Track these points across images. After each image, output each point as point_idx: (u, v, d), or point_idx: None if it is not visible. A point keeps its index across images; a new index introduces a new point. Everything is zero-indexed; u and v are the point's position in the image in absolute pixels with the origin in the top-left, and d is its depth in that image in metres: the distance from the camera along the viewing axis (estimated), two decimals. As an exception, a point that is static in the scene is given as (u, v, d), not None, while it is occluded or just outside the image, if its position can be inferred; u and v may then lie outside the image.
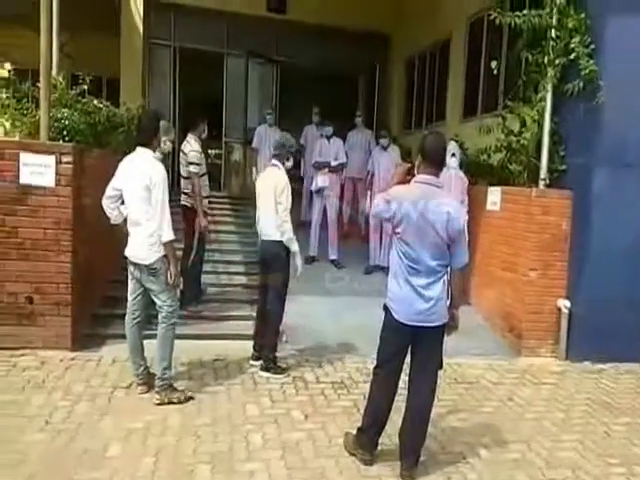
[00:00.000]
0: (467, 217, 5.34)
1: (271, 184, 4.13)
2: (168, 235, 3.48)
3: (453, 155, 5.52)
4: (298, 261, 4.19)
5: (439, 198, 2.80)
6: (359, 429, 3.05)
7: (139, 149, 3.57)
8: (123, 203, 3.58)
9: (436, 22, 8.26)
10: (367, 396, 3.05)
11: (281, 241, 4.12)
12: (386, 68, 10.41)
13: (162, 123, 4.14)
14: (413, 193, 2.81)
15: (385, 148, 6.86)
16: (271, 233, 4.16)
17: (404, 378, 2.98)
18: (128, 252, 3.59)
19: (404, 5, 9.46)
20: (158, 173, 3.46)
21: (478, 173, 5.81)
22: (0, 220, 4.14)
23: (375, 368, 3.02)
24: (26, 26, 9.88)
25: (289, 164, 4.28)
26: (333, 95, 9.53)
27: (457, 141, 5.91)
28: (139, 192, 3.44)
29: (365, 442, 3.01)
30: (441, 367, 3.12)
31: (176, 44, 9.50)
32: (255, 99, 9.71)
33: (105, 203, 3.59)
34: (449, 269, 2.92)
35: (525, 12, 4.87)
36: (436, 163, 2.86)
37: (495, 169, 5.51)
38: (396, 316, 2.84)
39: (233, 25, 9.38)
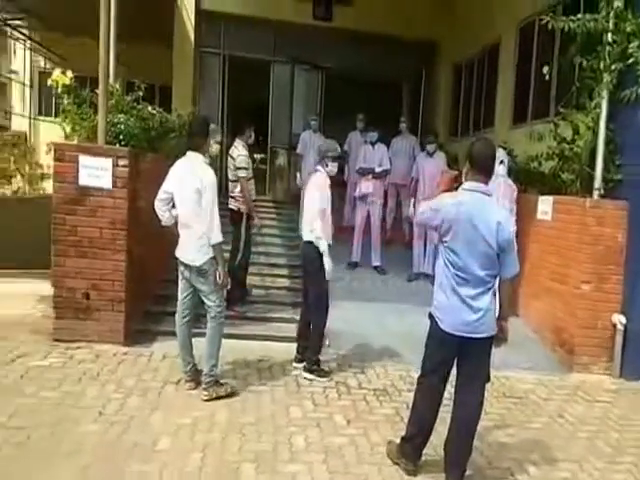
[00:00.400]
0: (515, 227, 5.28)
1: (311, 188, 4.23)
2: (217, 237, 3.57)
3: (501, 162, 5.40)
4: (326, 261, 4.14)
5: (488, 206, 2.75)
6: (403, 438, 3.02)
7: (190, 153, 3.69)
8: (174, 206, 3.71)
9: (485, 27, 8.14)
10: (411, 405, 3.02)
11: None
12: (432, 74, 10.34)
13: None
14: (461, 201, 2.75)
15: (431, 154, 6.79)
16: (307, 235, 4.22)
17: (450, 389, 2.94)
18: (178, 253, 3.71)
19: (452, 11, 9.38)
20: (209, 177, 3.56)
21: (528, 181, 5.66)
22: (61, 219, 4.36)
23: (420, 377, 2.98)
24: (86, 36, 10.43)
25: (332, 169, 4.32)
26: (378, 101, 9.53)
27: (505, 148, 5.78)
28: (190, 195, 3.55)
29: (409, 452, 2.98)
30: (488, 380, 3.03)
31: (225, 52, 9.77)
32: (300, 105, 9.84)
33: (157, 205, 3.72)
34: (498, 279, 2.85)
35: (579, 16, 4.74)
36: (485, 170, 2.80)
37: (546, 177, 5.36)
38: (442, 325, 2.80)
39: (280, 33, 9.57)
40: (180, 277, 3.76)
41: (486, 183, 2.80)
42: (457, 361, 2.87)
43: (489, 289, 2.76)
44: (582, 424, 3.82)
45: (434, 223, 2.80)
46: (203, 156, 3.71)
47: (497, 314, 2.88)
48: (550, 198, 5.19)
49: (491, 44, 8.01)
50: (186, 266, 3.66)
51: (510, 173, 5.56)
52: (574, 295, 4.77)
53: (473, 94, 8.75)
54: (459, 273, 2.74)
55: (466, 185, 2.81)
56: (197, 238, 3.58)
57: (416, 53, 9.95)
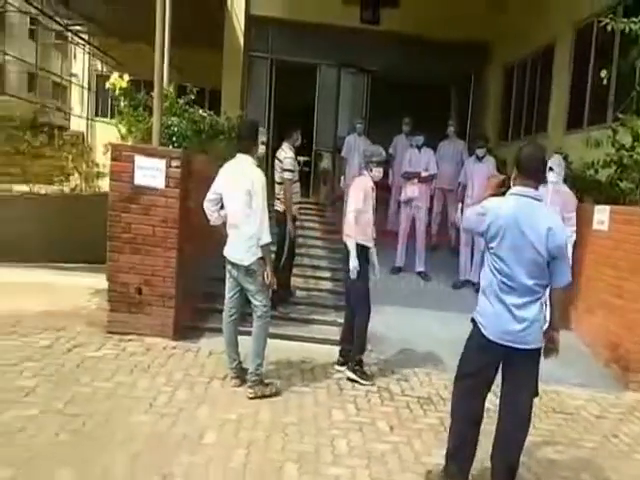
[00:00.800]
0: (574, 237, 5.11)
1: (351, 190, 4.33)
2: (266, 238, 3.64)
3: (551, 169, 5.24)
4: (351, 261, 4.12)
5: (538, 212, 2.64)
6: (446, 456, 2.88)
7: (240, 155, 3.78)
8: (222, 207, 3.79)
9: (539, 28, 7.92)
10: (450, 412, 2.92)
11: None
12: (482, 76, 10.15)
13: None
14: (509, 206, 2.67)
15: (480, 159, 6.66)
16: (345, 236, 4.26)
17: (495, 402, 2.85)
18: (227, 252, 3.79)
19: (503, 11, 9.17)
20: (259, 179, 3.63)
21: (584, 189, 5.46)
22: (116, 216, 4.55)
23: (456, 380, 2.88)
24: (141, 41, 10.85)
25: (377, 174, 4.32)
26: (425, 104, 9.44)
27: (561, 154, 5.58)
28: (240, 196, 3.63)
29: (454, 472, 2.83)
30: (537, 394, 2.89)
31: (273, 56, 9.93)
32: (346, 109, 9.88)
33: (206, 206, 3.82)
34: (548, 289, 2.75)
35: (645, 18, 4.55)
36: (534, 175, 2.70)
37: (603, 186, 5.15)
38: (484, 331, 2.71)
39: (327, 37, 9.63)
40: (228, 276, 3.84)
41: (536, 188, 2.70)
42: (502, 372, 2.76)
43: (537, 299, 2.65)
44: (638, 445, 3.64)
45: (480, 229, 2.72)
46: (252, 158, 3.79)
47: (547, 324, 2.79)
48: (607, 207, 4.98)
49: (545, 46, 7.79)
50: (234, 265, 3.74)
51: (566, 180, 5.38)
52: (632, 310, 4.55)
53: (525, 97, 8.52)
54: (505, 281, 2.65)
55: (514, 190, 2.72)
56: (246, 238, 3.65)
57: (465, 55, 9.79)
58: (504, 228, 2.62)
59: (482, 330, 2.73)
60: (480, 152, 6.64)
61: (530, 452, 3.22)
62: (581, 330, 5.34)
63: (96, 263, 6.58)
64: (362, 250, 4.22)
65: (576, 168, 5.71)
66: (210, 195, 3.81)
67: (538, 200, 2.68)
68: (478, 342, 2.76)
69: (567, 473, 3.20)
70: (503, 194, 2.84)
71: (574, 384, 4.52)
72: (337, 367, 4.38)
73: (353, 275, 4.16)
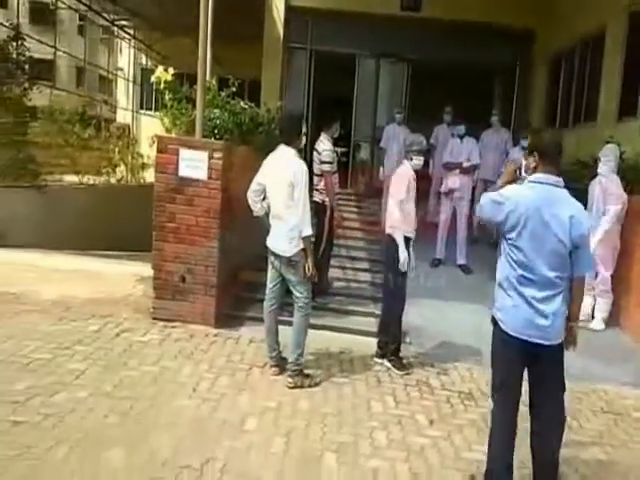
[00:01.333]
0: (606, 226, 5.01)
1: (393, 179, 4.29)
2: (308, 230, 3.66)
3: (600, 160, 5.02)
4: (401, 251, 4.10)
5: (560, 199, 2.54)
6: (485, 472, 2.74)
7: (282, 147, 3.80)
8: (264, 198, 3.83)
9: (588, 13, 7.56)
10: (489, 427, 2.74)
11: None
12: (527, 64, 9.78)
13: None
14: (528, 193, 2.56)
15: (526, 149, 6.44)
16: (387, 227, 4.26)
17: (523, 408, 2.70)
18: (269, 243, 3.84)
19: (550, -1, 8.81)
20: (301, 171, 3.65)
21: (636, 180, 5.21)
22: (162, 207, 4.67)
23: (492, 395, 2.75)
24: (183, 35, 11.05)
25: (417, 163, 4.28)
26: (467, 93, 9.17)
27: (614, 143, 5.32)
28: (283, 188, 3.66)
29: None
30: (564, 389, 2.73)
31: (312, 47, 9.90)
32: (385, 98, 9.76)
33: (250, 196, 3.88)
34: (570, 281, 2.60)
35: None
36: (555, 161, 2.61)
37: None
38: (504, 327, 2.59)
39: (366, 26, 9.51)
40: (270, 266, 3.89)
41: (557, 175, 2.59)
42: (528, 373, 2.64)
43: (559, 292, 2.54)
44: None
45: (498, 218, 2.59)
46: (295, 150, 3.80)
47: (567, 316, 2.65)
48: (662, 199, 4.74)
49: (595, 31, 7.42)
50: (276, 256, 3.78)
51: (618, 171, 5.14)
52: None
53: (573, 85, 8.16)
54: (525, 274, 2.53)
55: (535, 177, 2.59)
56: (289, 229, 3.68)
57: (510, 42, 9.47)
58: (525, 217, 2.51)
59: (502, 326, 2.61)
60: (525, 142, 6.43)
61: (577, 452, 3.14)
62: (631, 327, 5.11)
63: (141, 251, 6.79)
64: (407, 241, 4.18)
65: (629, 158, 5.43)
66: (253, 186, 3.86)
67: (559, 187, 2.58)
68: (502, 343, 2.64)
69: (615, 476, 3.09)
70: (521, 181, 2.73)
71: (623, 382, 4.34)
72: (376, 359, 4.37)
73: (403, 268, 4.13)
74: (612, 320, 5.31)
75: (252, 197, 3.87)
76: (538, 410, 2.66)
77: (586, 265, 2.60)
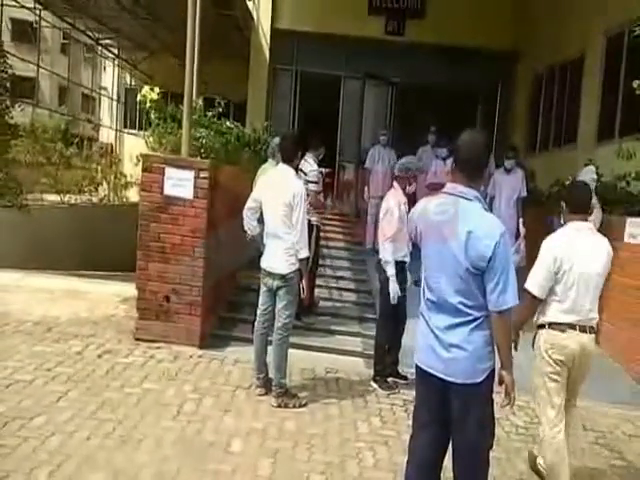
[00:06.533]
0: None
1: (383, 209, 4.26)
2: (305, 252, 3.68)
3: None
4: (391, 287, 4.10)
5: (464, 212, 2.13)
6: None
7: (282, 166, 3.82)
8: (260, 216, 3.81)
9: (568, 37, 7.87)
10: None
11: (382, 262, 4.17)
12: (509, 87, 10.11)
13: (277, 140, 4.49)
14: (434, 205, 2.24)
15: (508, 171, 6.59)
16: (380, 252, 4.26)
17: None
18: (264, 263, 3.81)
19: (532, 20, 9.14)
20: (300, 192, 3.66)
21: (614, 201, 5.36)
22: (147, 226, 4.64)
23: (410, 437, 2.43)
24: (168, 54, 11.16)
25: (409, 188, 4.32)
26: (450, 115, 9.38)
27: (592, 165, 5.47)
28: (281, 207, 3.66)
29: None
30: (490, 447, 2.29)
31: (297, 68, 10.07)
32: (370, 119, 9.92)
33: (246, 214, 3.86)
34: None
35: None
36: (466, 166, 2.21)
37: (635, 198, 5.05)
38: (415, 357, 2.33)
39: (351, 48, 9.73)
40: (263, 288, 3.85)
41: (469, 185, 2.18)
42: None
43: (468, 323, 2.14)
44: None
45: (412, 233, 2.35)
46: (295, 170, 3.83)
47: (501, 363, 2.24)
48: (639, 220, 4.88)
49: (574, 55, 7.73)
50: (271, 275, 3.75)
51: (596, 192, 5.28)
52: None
53: (554, 108, 8.44)
54: (431, 297, 2.23)
55: (447, 187, 2.25)
56: (286, 247, 3.67)
57: (492, 65, 9.77)
58: (422, 232, 2.25)
59: (414, 356, 2.34)
60: (508, 164, 6.58)
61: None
62: (612, 348, 5.20)
63: (123, 271, 6.72)
64: (398, 265, 4.17)
65: (607, 180, 5.61)
66: (250, 203, 3.84)
67: (469, 199, 2.16)
68: (416, 374, 2.36)
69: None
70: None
71: (605, 401, 4.40)
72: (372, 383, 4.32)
73: (394, 301, 4.12)
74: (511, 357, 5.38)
75: (248, 214, 3.84)
76: (453, 470, 2.28)
77: (497, 297, 2.08)
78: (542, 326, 2.95)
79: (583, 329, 2.88)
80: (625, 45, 6.42)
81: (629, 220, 5.03)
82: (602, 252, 2.94)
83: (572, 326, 2.87)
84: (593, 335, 2.94)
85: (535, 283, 2.89)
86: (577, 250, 2.87)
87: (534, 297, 2.89)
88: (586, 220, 3.01)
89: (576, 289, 2.86)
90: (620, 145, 5.54)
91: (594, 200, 5.17)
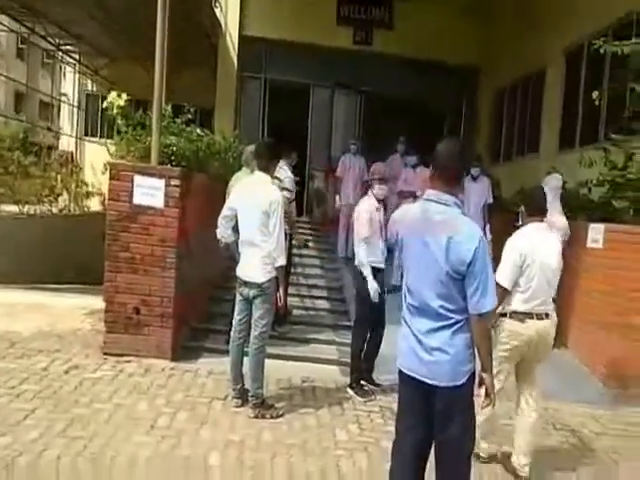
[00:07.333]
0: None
1: (356, 215, 4.33)
2: (282, 260, 3.64)
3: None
4: (370, 286, 4.13)
5: (446, 217, 2.20)
6: None
7: (258, 174, 3.79)
8: (235, 224, 3.75)
9: (530, 51, 8.16)
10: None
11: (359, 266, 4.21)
12: (474, 98, 10.41)
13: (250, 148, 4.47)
14: (413, 212, 2.32)
15: (475, 178, 6.77)
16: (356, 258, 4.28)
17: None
18: (240, 272, 3.74)
19: (495, 35, 9.46)
20: (277, 201, 3.63)
21: (576, 207, 5.56)
22: (115, 236, 4.50)
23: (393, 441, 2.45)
24: (131, 60, 10.93)
25: (379, 192, 4.35)
26: (418, 125, 9.60)
27: (556, 173, 5.65)
28: (257, 215, 3.61)
29: None
30: (471, 451, 2.36)
31: (266, 76, 10.05)
32: (339, 128, 10.00)
33: (221, 222, 3.79)
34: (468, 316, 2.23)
35: (635, 40, 4.71)
36: (445, 173, 2.25)
37: (596, 204, 5.25)
38: (397, 362, 2.36)
39: (321, 56, 9.78)
40: (239, 297, 3.79)
41: (448, 191, 2.24)
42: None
43: (449, 326, 2.19)
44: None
45: (392, 238, 2.41)
46: (270, 177, 3.80)
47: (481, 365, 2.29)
48: (601, 226, 5.05)
49: (536, 68, 8.02)
50: (247, 284, 3.69)
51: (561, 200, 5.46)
52: (631, 327, 4.60)
53: (516, 119, 8.74)
54: (412, 301, 2.27)
55: (426, 193, 2.31)
56: (262, 256, 3.63)
57: (458, 77, 10.05)
58: (407, 237, 2.29)
59: (397, 361, 2.37)
60: (474, 172, 6.76)
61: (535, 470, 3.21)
62: (578, 348, 5.37)
63: (87, 284, 6.50)
64: (373, 271, 4.19)
65: (569, 187, 5.82)
66: (225, 211, 3.79)
67: (447, 205, 2.22)
68: (399, 379, 2.38)
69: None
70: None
71: (572, 401, 4.51)
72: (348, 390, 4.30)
73: (375, 299, 4.14)
74: (559, 342, 5.56)
75: (223, 223, 3.77)
76: (436, 472, 2.31)
77: (478, 301, 2.14)
78: (504, 315, 3.24)
79: (540, 317, 3.21)
80: (584, 59, 6.72)
81: (591, 226, 5.22)
82: (555, 248, 3.32)
83: (530, 315, 3.20)
84: (549, 320, 3.26)
85: (505, 277, 3.18)
86: (536, 246, 3.22)
87: (504, 289, 3.16)
88: (542, 221, 3.36)
89: (537, 280, 3.19)
90: (581, 154, 5.78)
91: (559, 207, 5.37)
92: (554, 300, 3.36)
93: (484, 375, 2.27)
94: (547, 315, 3.24)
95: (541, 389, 3.39)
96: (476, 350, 2.26)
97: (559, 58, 7.38)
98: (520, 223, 3.43)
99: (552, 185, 5.26)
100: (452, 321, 2.19)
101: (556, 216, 5.36)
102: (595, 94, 5.16)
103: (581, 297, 5.34)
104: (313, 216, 9.70)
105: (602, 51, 4.89)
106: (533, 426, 3.28)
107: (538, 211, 3.36)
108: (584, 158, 5.37)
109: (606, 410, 4.47)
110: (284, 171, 5.43)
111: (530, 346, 3.23)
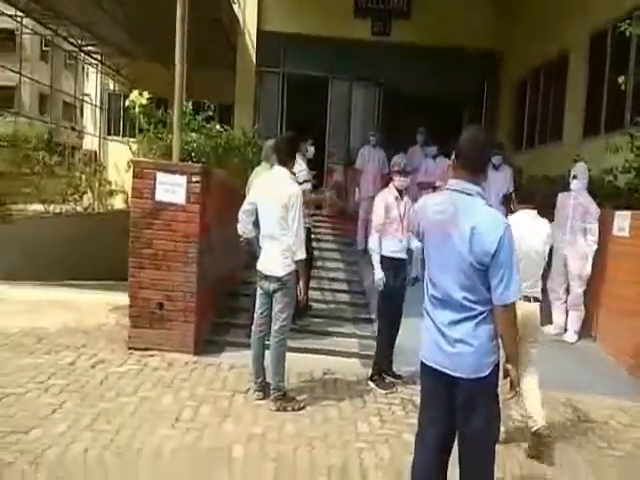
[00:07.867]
0: (595, 247, 5.21)
1: (374, 204, 4.36)
2: (302, 254, 3.65)
3: (574, 177, 5.22)
4: (375, 273, 4.17)
5: (467, 208, 2.16)
6: None
7: (277, 168, 3.80)
8: (256, 219, 3.78)
9: (553, 36, 7.97)
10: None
11: (381, 255, 4.19)
12: (495, 85, 10.23)
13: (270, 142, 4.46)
14: (436, 202, 2.28)
15: (497, 167, 6.63)
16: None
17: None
18: (260, 266, 3.78)
19: (517, 20, 9.24)
20: (297, 193, 3.65)
21: (602, 195, 5.42)
22: (138, 233, 4.57)
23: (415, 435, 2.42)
24: (153, 60, 11.06)
25: (400, 183, 4.34)
26: (438, 115, 9.47)
27: (578, 161, 5.53)
28: (277, 209, 3.63)
29: None
30: (495, 443, 2.36)
31: (285, 70, 10.05)
32: (358, 120, 9.95)
33: (241, 217, 3.83)
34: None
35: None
36: (468, 163, 2.23)
37: (622, 191, 5.11)
38: (420, 354, 2.33)
39: (338, 49, 9.73)
40: (259, 291, 3.82)
41: (472, 180, 2.21)
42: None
43: (473, 318, 2.16)
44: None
45: (414, 229, 2.39)
46: (290, 171, 3.80)
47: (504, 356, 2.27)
48: (628, 213, 4.92)
49: (559, 53, 7.82)
50: (267, 278, 3.72)
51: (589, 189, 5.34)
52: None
53: (539, 106, 8.54)
54: (434, 293, 2.23)
55: (449, 182, 2.28)
56: (283, 249, 3.65)
57: (478, 65, 9.88)
58: (429, 228, 2.27)
59: (420, 353, 2.34)
60: (496, 160, 6.60)
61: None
62: (604, 338, 5.26)
63: (111, 280, 6.62)
64: (392, 262, 4.19)
65: (594, 174, 5.67)
66: (246, 206, 3.82)
67: (470, 195, 2.18)
68: (421, 372, 2.36)
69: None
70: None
71: (600, 392, 4.42)
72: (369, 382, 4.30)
73: (379, 286, 4.18)
74: (584, 333, 5.47)
75: (243, 218, 3.81)
76: (460, 465, 2.28)
77: (501, 292, 2.10)
78: None
79: (527, 299, 3.33)
80: (609, 43, 6.52)
81: (617, 213, 5.08)
82: (542, 233, 3.50)
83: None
84: (536, 304, 3.43)
85: None
86: (525, 231, 3.35)
87: None
88: (530, 208, 3.56)
89: (524, 263, 3.14)
90: (607, 140, 5.62)
91: (587, 195, 5.26)
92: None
93: (509, 367, 2.24)
94: (535, 299, 3.41)
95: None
96: (500, 341, 2.22)
97: (583, 42, 7.17)
98: (512, 208, 3.66)
99: (581, 172, 5.16)
100: (475, 312, 2.16)
101: (592, 207, 5.24)
102: (621, 78, 4.99)
103: (607, 286, 5.22)
104: (333, 209, 9.67)
105: (628, 34, 4.73)
106: (537, 386, 3.35)
107: (527, 200, 3.59)
108: (610, 144, 5.22)
109: (634, 402, 4.36)
110: (299, 165, 5.40)
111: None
